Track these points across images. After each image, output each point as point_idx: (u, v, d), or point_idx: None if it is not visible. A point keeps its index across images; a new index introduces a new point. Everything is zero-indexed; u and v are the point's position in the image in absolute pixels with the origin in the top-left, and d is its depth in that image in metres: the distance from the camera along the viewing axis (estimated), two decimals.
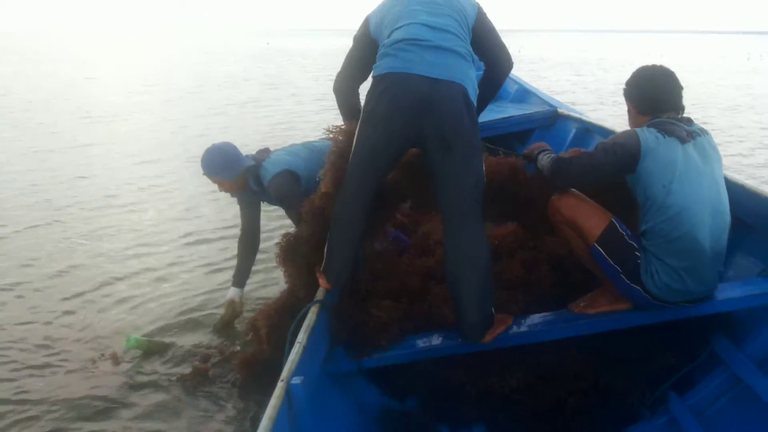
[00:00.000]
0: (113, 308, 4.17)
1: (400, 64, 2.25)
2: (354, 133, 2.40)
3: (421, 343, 2.50)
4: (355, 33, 2.59)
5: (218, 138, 3.91)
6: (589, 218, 2.41)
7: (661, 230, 2.27)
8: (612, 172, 2.40)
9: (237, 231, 3.94)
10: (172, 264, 4.94)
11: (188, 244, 5.41)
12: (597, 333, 2.50)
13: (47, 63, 28.68)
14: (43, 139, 10.00)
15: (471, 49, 2.36)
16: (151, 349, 3.57)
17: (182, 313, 4.07)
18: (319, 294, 2.48)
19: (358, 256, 2.64)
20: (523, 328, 2.48)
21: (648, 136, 2.30)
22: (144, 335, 3.71)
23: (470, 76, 2.29)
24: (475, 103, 2.31)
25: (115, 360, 3.48)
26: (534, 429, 2.58)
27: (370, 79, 2.43)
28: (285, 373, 1.94)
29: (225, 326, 3.83)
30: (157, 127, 11.45)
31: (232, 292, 3.88)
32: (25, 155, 8.83)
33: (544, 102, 5.47)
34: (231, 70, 25.69)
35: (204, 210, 6.30)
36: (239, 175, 3.46)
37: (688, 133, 2.32)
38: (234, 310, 3.85)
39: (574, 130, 4.79)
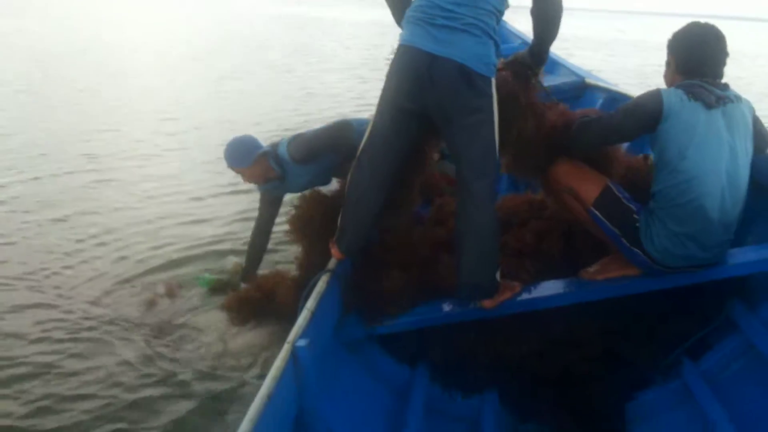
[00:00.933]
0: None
1: (409, 37, 2.31)
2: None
3: (431, 310, 2.56)
4: None
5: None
6: (585, 182, 2.43)
7: (669, 194, 2.25)
8: (633, 132, 2.40)
9: None
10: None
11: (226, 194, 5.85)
12: (608, 299, 2.51)
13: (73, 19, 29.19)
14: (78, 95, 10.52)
15: (491, 19, 2.31)
16: (219, 284, 3.95)
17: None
18: (331, 263, 2.56)
19: (373, 228, 2.69)
20: (532, 295, 2.50)
21: (672, 98, 2.24)
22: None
23: (475, 52, 2.26)
24: (483, 74, 2.28)
25: (171, 292, 4.03)
26: (545, 394, 2.61)
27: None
28: (291, 336, 2.03)
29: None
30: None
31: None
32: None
33: (571, 72, 5.38)
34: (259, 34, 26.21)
35: None
36: (255, 160, 3.50)
37: (718, 98, 2.24)
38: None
39: (601, 100, 4.71)
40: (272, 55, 18.36)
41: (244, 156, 3.54)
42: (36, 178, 6.28)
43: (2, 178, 6.23)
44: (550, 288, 2.54)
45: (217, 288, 4.02)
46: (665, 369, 2.57)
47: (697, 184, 2.20)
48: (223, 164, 3.53)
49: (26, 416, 2.94)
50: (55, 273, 4.34)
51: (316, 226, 2.76)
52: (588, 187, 2.42)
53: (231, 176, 3.91)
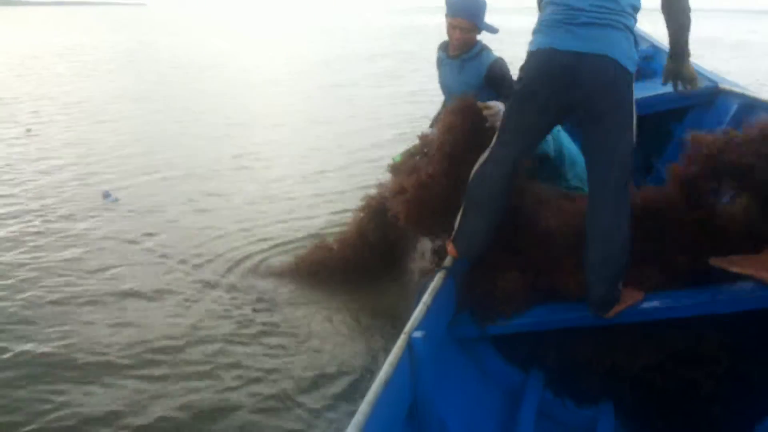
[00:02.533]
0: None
1: (548, 40, 2.31)
2: (452, 126, 2.60)
3: (545, 313, 2.52)
4: None
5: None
6: None
7: None
8: None
9: None
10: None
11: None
12: (738, 313, 2.36)
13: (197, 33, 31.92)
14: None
15: (630, 18, 2.30)
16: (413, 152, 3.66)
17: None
18: (447, 261, 2.59)
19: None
20: (653, 304, 2.40)
21: None
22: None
23: (622, 47, 2.25)
24: (629, 71, 2.27)
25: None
26: (666, 411, 2.50)
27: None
28: (408, 327, 2.08)
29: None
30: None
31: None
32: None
33: (704, 77, 5.09)
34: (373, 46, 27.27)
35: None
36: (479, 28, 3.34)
37: None
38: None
39: (735, 106, 4.44)
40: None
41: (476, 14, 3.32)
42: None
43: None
44: (673, 298, 2.43)
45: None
46: None
47: None
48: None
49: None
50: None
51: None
52: None
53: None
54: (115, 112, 10.98)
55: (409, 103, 11.34)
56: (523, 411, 2.48)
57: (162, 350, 3.53)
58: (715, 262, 2.38)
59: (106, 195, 6.46)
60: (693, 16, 2.69)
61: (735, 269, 2.33)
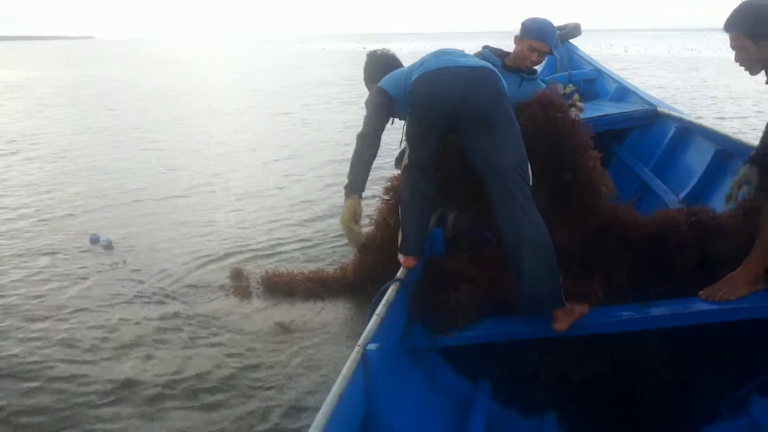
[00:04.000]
0: None
1: (440, 62, 2.59)
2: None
3: (496, 326, 2.57)
4: (371, 100, 2.79)
5: None
6: None
7: None
8: None
9: None
10: None
11: None
12: (678, 327, 2.47)
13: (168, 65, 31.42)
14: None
15: None
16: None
17: None
18: (401, 273, 2.62)
19: (437, 239, 2.90)
20: (600, 319, 2.49)
21: None
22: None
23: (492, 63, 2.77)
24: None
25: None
26: (607, 420, 2.58)
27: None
28: (362, 339, 2.08)
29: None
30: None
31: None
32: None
33: (643, 101, 5.33)
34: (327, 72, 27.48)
35: None
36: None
37: None
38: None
39: (673, 130, 4.66)
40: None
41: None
42: None
43: None
44: (618, 312, 2.52)
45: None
46: (734, 404, 2.51)
47: None
48: None
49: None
50: None
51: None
52: None
53: None
54: (67, 147, 10.69)
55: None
56: (472, 422, 2.51)
57: None
58: (710, 297, 2.44)
59: (93, 240, 5.81)
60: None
61: (735, 297, 2.40)
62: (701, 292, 2.46)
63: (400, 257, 2.71)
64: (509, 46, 3.28)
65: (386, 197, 3.86)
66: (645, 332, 2.51)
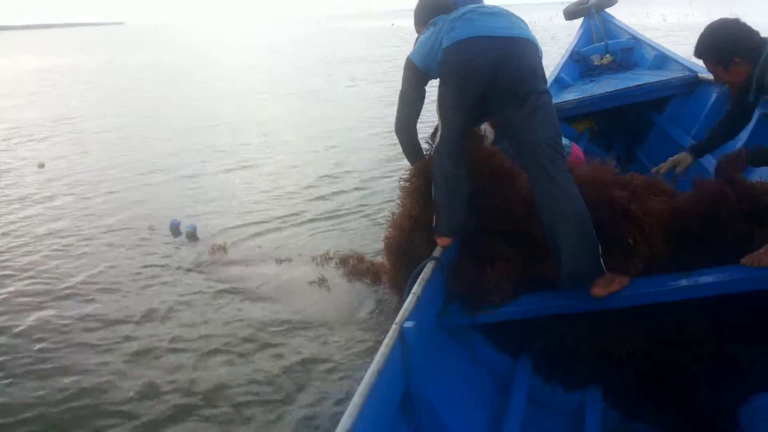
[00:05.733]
0: None
1: (472, 30, 2.45)
2: (425, 174, 2.76)
3: (534, 301, 2.56)
4: (403, 77, 2.77)
5: None
6: None
7: None
8: None
9: None
10: None
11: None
12: (723, 296, 2.41)
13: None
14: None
15: None
16: None
17: None
18: (436, 252, 2.62)
19: (471, 216, 2.77)
20: (641, 290, 2.45)
21: None
22: None
23: (531, 33, 2.52)
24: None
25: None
26: (653, 394, 2.54)
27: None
28: (399, 317, 2.10)
29: None
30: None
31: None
32: None
33: (684, 67, 5.16)
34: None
35: None
36: None
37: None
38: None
39: (715, 95, 4.51)
40: None
41: None
42: None
43: None
44: (659, 282, 2.47)
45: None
46: None
47: None
48: None
49: None
50: None
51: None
52: None
53: None
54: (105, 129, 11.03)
55: None
56: (514, 397, 2.51)
57: None
58: (750, 261, 2.38)
59: (174, 225, 5.47)
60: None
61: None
62: (743, 259, 2.39)
63: (436, 237, 2.70)
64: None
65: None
66: (688, 303, 2.46)
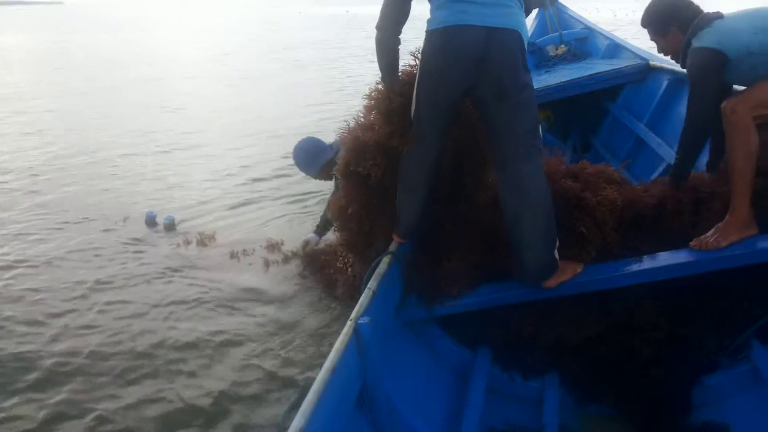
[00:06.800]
0: None
1: (455, 17, 2.26)
2: (394, 95, 2.50)
3: (490, 291, 2.58)
4: None
5: None
6: (763, 92, 2.45)
7: None
8: (719, 84, 2.56)
9: None
10: None
11: None
12: (674, 279, 2.46)
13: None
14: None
15: None
16: None
17: None
18: (392, 246, 2.62)
19: (431, 210, 2.70)
20: (594, 276, 2.48)
21: (704, 38, 2.53)
22: None
23: (522, 22, 2.32)
24: (526, 46, 2.34)
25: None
26: (608, 378, 2.59)
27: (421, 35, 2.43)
28: (354, 313, 2.09)
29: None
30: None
31: (311, 237, 4.44)
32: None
33: (636, 56, 5.26)
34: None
35: None
36: (320, 169, 4.01)
37: (716, 14, 2.60)
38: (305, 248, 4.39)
39: (666, 82, 4.59)
40: None
41: (310, 165, 4.03)
42: None
43: None
44: (611, 268, 2.51)
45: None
46: (733, 352, 2.51)
47: None
48: None
49: None
50: None
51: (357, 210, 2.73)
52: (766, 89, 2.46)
53: None
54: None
55: None
56: (472, 388, 2.53)
57: None
58: (701, 245, 2.42)
59: (150, 217, 5.29)
60: None
61: (725, 243, 2.38)
62: (691, 242, 2.45)
63: (393, 232, 2.67)
64: None
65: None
66: (640, 288, 2.51)
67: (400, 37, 2.51)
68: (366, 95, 2.64)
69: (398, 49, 2.53)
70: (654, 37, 2.82)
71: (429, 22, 2.34)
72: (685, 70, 4.27)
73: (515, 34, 2.25)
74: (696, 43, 2.57)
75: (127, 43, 25.24)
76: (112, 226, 5.33)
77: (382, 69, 2.56)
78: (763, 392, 2.33)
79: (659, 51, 2.89)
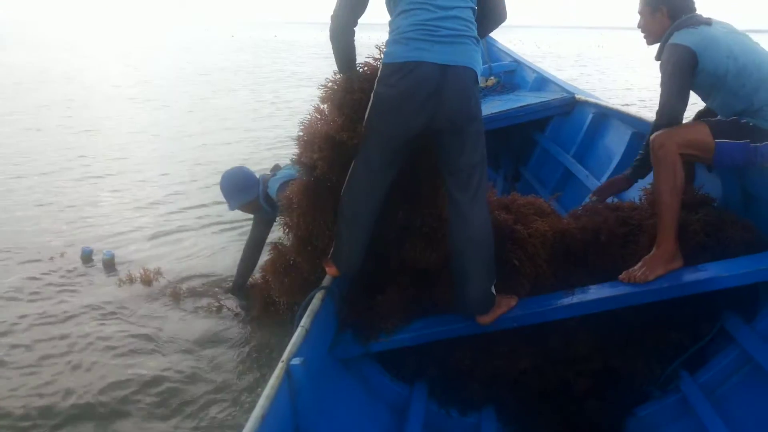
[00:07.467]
0: None
1: (411, 53, 2.26)
2: (349, 88, 2.45)
3: (426, 326, 2.54)
4: None
5: None
6: (693, 132, 2.56)
7: (745, 93, 2.52)
8: (690, 83, 2.60)
9: None
10: None
11: None
12: (605, 312, 2.49)
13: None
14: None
15: (475, 30, 2.36)
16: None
17: None
18: (326, 281, 2.54)
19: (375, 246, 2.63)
20: (528, 310, 2.48)
21: (685, 36, 2.57)
22: None
23: (477, 59, 2.34)
24: (478, 80, 2.37)
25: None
26: (543, 410, 2.59)
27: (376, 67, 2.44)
28: (285, 354, 2.00)
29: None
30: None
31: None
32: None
33: (562, 89, 5.44)
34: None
35: None
36: (249, 201, 3.91)
37: (705, 19, 2.64)
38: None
39: (591, 115, 4.76)
40: None
41: (232, 197, 3.93)
42: None
43: None
44: (544, 303, 2.52)
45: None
46: (664, 383, 2.55)
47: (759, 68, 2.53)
48: None
49: None
50: None
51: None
52: (699, 131, 2.56)
53: None
54: None
55: None
56: (410, 425, 2.47)
57: None
58: (630, 279, 2.46)
59: (86, 253, 4.90)
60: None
61: (653, 277, 2.42)
62: (621, 276, 2.49)
63: (326, 265, 2.57)
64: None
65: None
66: (574, 321, 2.53)
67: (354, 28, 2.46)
68: (321, 86, 2.57)
69: (353, 42, 2.48)
70: (643, 9, 2.78)
71: (385, 54, 2.35)
72: (606, 104, 4.45)
73: (468, 71, 2.28)
74: (675, 40, 2.61)
75: (54, 63, 24.07)
76: (44, 261, 4.87)
77: (338, 64, 2.52)
78: (693, 422, 2.37)
79: (639, 26, 2.84)
